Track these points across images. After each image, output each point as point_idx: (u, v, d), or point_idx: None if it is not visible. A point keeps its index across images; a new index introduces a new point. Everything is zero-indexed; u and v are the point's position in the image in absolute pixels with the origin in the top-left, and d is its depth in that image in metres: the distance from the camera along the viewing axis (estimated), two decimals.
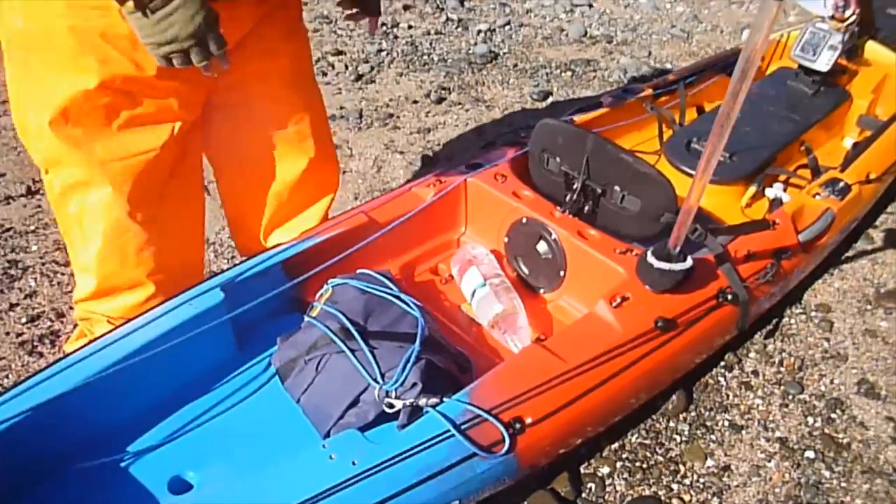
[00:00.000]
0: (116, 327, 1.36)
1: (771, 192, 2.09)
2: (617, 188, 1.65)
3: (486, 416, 1.22)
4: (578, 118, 2.11)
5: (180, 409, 1.38)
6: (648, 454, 1.56)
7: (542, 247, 1.70)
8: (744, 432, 1.60)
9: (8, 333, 1.84)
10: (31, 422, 1.18)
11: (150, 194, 1.42)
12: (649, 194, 1.61)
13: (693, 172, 2.08)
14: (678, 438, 1.59)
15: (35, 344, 1.81)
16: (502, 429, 1.22)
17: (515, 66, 3.32)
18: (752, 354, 1.80)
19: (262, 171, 1.62)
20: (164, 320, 1.36)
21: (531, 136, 1.81)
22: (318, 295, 1.52)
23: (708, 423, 1.62)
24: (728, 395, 1.69)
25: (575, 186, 1.69)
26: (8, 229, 2.20)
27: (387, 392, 1.28)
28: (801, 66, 2.42)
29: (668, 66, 3.34)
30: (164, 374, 1.37)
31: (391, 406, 1.28)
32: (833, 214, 1.85)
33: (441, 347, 1.42)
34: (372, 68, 3.24)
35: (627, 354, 1.41)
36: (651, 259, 1.44)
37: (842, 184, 1.93)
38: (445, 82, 3.15)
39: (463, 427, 1.21)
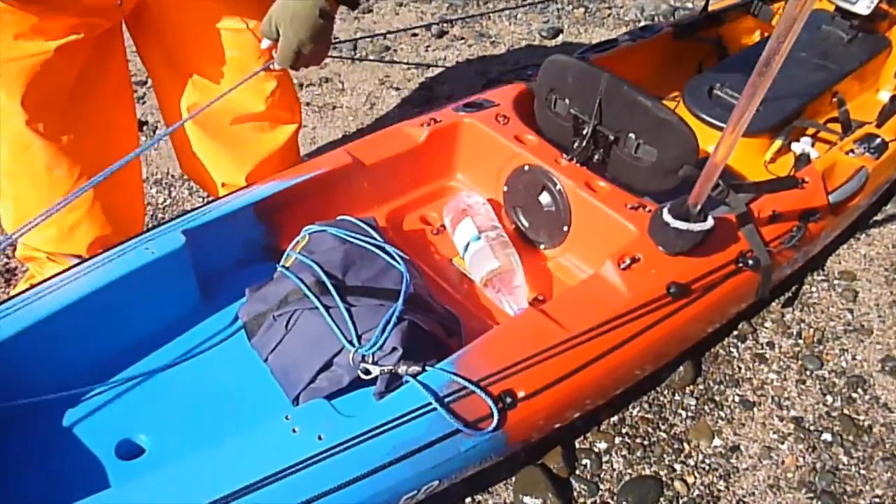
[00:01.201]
0: (63, 271, 1.21)
1: (798, 147, 1.91)
2: (632, 136, 1.47)
3: (473, 388, 1.08)
4: (591, 57, 1.91)
5: (134, 364, 1.24)
6: (650, 430, 1.43)
7: (544, 198, 1.53)
8: (756, 410, 1.47)
9: None
10: None
11: (50, 102, 1.28)
12: (668, 144, 1.43)
13: (713, 121, 1.92)
14: (684, 414, 1.46)
15: None
16: (491, 403, 1.08)
17: None
18: (767, 324, 1.65)
19: (199, 93, 1.46)
20: (117, 265, 1.21)
21: (539, 73, 1.62)
22: (293, 243, 1.36)
23: (717, 398, 1.49)
24: (740, 368, 1.55)
25: (585, 132, 1.51)
26: None
27: (363, 356, 1.14)
28: (837, 9, 2.21)
29: (689, 4, 3.10)
30: (115, 324, 1.22)
31: (367, 372, 1.14)
32: (867, 173, 1.68)
33: (427, 307, 1.27)
34: None
35: (635, 322, 1.26)
36: (667, 217, 1.28)
37: (878, 140, 1.76)
38: (448, 14, 2.93)
39: (447, 400, 1.06)
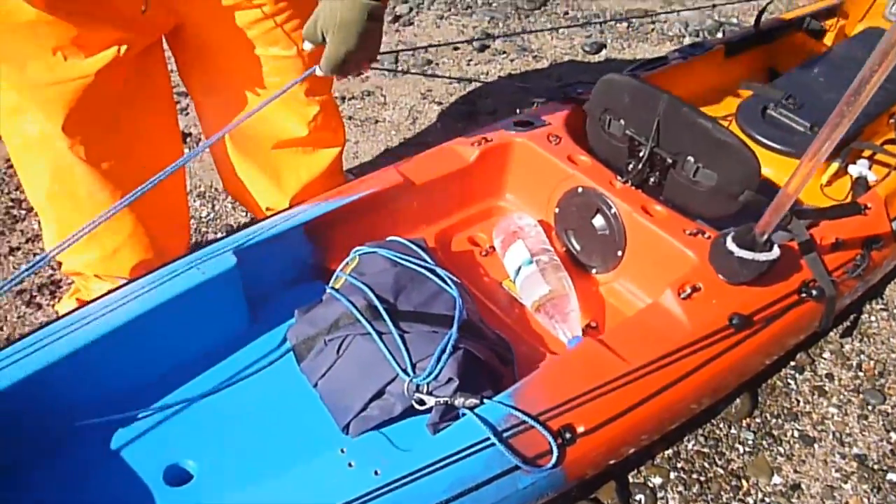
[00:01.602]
0: (112, 290, 1.19)
1: (854, 170, 1.85)
2: (691, 159, 1.43)
3: (532, 422, 1.04)
4: (642, 74, 1.87)
5: (182, 387, 1.21)
6: (707, 464, 1.37)
7: (598, 221, 1.49)
8: (816, 446, 1.41)
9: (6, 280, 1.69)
10: (8, 397, 1.03)
11: (92, 127, 1.26)
12: (729, 168, 1.39)
13: (767, 142, 1.87)
14: (741, 448, 1.40)
15: (34, 294, 1.67)
16: (550, 439, 1.04)
17: (566, 13, 3.06)
18: (826, 355, 1.59)
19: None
20: (168, 286, 1.19)
21: (591, 92, 1.59)
22: (342, 264, 1.34)
23: (775, 433, 1.43)
24: (798, 401, 1.49)
25: (641, 154, 1.47)
26: (13, 165, 2.03)
27: (417, 386, 1.11)
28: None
29: (734, 20, 3.04)
30: (165, 346, 1.21)
31: (421, 402, 1.11)
32: None
33: (480, 333, 1.24)
34: (410, 9, 3.00)
35: (696, 355, 1.21)
36: (731, 246, 1.23)
37: None
38: (489, 28, 2.90)
39: (505, 435, 1.03)
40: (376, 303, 1.21)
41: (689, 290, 1.26)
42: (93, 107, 1.25)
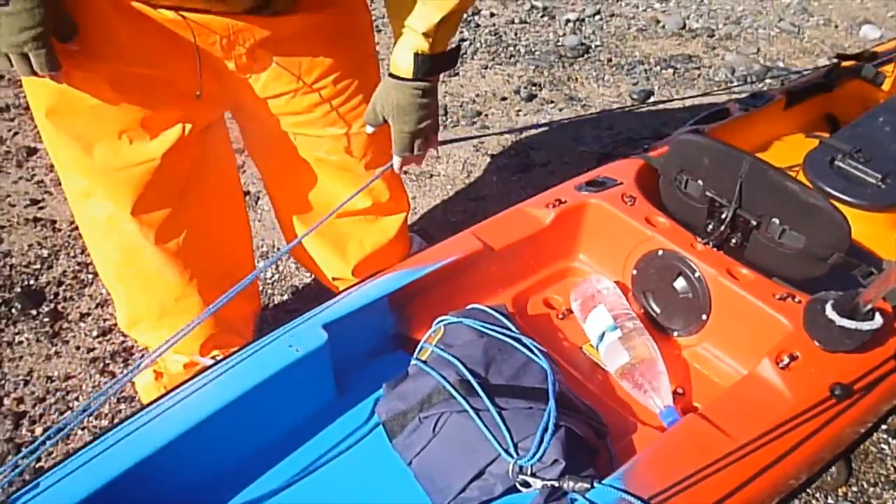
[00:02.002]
0: (202, 370, 1.18)
1: None
2: (776, 220, 1.40)
3: None
4: (706, 129, 1.86)
5: (272, 470, 1.19)
6: None
7: (680, 284, 1.47)
8: None
9: (78, 348, 1.69)
10: (108, 491, 1.01)
11: (160, 209, 1.28)
12: (817, 230, 1.36)
13: (837, 194, 1.84)
14: None
15: (107, 361, 1.67)
16: None
17: (609, 60, 3.07)
18: None
19: (303, 194, 1.46)
20: (261, 365, 1.18)
21: (667, 152, 1.57)
22: (427, 334, 1.32)
23: (874, 502, 1.38)
24: (894, 468, 1.44)
25: (724, 216, 1.45)
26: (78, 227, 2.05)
27: (520, 468, 1.08)
28: None
29: (780, 63, 3.04)
30: (256, 428, 1.19)
31: (526, 484, 1.08)
32: None
33: (574, 407, 1.21)
34: None
35: (800, 428, 1.17)
36: (831, 314, 1.20)
37: None
38: (535, 77, 2.92)
39: None
40: (469, 377, 1.18)
41: (786, 360, 1.23)
42: (160, 189, 1.27)
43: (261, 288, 1.88)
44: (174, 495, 1.11)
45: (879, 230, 1.81)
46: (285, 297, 1.86)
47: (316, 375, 1.24)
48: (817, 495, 1.39)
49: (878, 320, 1.20)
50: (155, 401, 1.13)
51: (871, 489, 1.40)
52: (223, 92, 1.27)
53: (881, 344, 1.30)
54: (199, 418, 1.10)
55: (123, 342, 1.71)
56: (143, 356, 1.61)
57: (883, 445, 1.48)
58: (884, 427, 1.52)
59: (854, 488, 1.41)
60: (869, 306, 1.19)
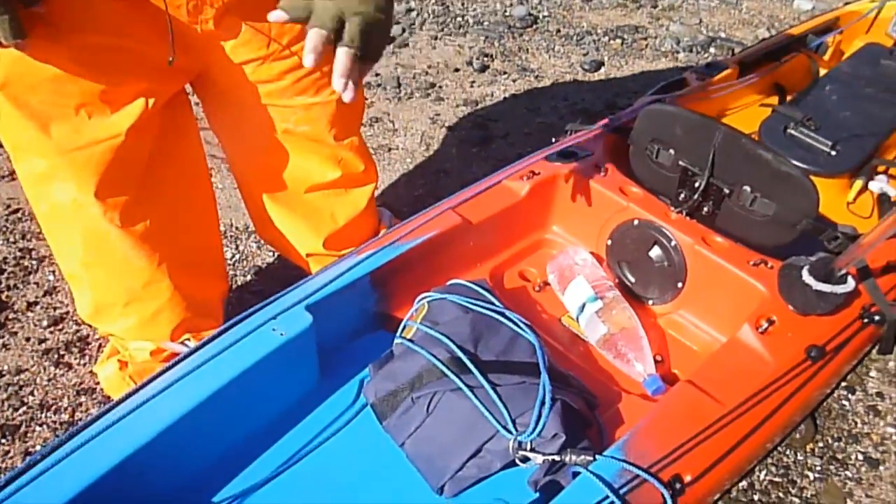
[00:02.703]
0: (172, 356, 1.12)
1: (875, 186, 1.89)
2: (747, 188, 1.43)
3: (647, 477, 1.02)
4: (666, 99, 1.87)
5: (259, 460, 1.15)
6: (782, 494, 1.38)
7: (655, 253, 1.48)
8: (882, 468, 1.43)
9: (29, 339, 1.59)
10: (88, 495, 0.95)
11: (126, 190, 1.21)
12: (789, 198, 1.39)
13: (793, 161, 1.89)
14: (811, 475, 1.41)
15: (61, 353, 1.57)
16: (664, 491, 1.02)
17: (558, 31, 3.06)
18: (873, 374, 1.62)
19: (271, 169, 1.40)
20: (244, 352, 1.13)
21: (638, 121, 1.58)
22: (410, 312, 1.30)
23: (840, 457, 1.44)
24: (856, 423, 1.51)
25: (697, 185, 1.47)
26: (16, 210, 1.92)
27: (520, 443, 1.07)
28: None
29: (722, 34, 3.10)
30: (240, 417, 1.14)
31: (525, 460, 1.07)
32: None
33: (565, 380, 1.21)
34: (403, 30, 2.96)
35: (781, 390, 1.21)
36: (808, 279, 1.24)
37: None
38: (486, 48, 2.88)
39: (622, 492, 1.00)
40: (461, 355, 1.17)
41: (765, 325, 1.26)
42: (124, 168, 1.19)
43: None
44: (159, 494, 1.05)
45: (831, 195, 1.87)
46: (248, 277, 1.79)
47: (301, 359, 1.20)
48: (788, 452, 1.44)
49: (851, 283, 1.25)
50: (133, 392, 1.07)
51: (836, 444, 1.47)
52: (188, 61, 1.20)
53: (849, 306, 1.35)
54: (185, 410, 1.04)
55: (78, 331, 1.61)
56: (101, 346, 1.53)
57: (844, 402, 1.55)
58: (844, 384, 1.59)
59: (820, 444, 1.47)
60: (843, 270, 1.23)
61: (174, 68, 1.15)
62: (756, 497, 1.37)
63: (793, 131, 1.94)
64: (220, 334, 1.15)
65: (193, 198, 1.37)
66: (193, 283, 1.38)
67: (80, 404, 1.47)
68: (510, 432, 1.08)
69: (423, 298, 1.31)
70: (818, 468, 1.43)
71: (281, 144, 1.36)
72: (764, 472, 1.41)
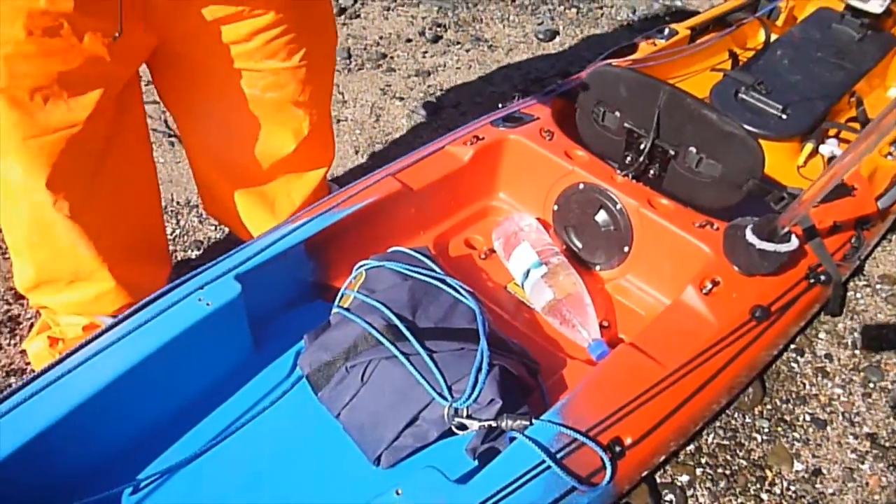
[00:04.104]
0: (103, 331, 1.07)
1: (825, 150, 1.88)
2: (693, 150, 1.41)
3: (584, 440, 0.99)
4: (616, 63, 1.84)
5: (190, 434, 1.11)
6: (729, 457, 1.37)
7: (602, 217, 1.45)
8: (829, 428, 1.43)
9: None
10: (9, 461, 0.90)
11: (77, 179, 1.14)
12: (734, 158, 1.37)
13: (744, 125, 1.88)
14: (759, 437, 1.40)
15: None
16: (603, 454, 1.00)
17: (513, 1, 3.00)
18: (822, 335, 1.62)
19: (231, 141, 1.33)
20: (169, 322, 1.07)
21: (583, 84, 1.54)
22: (348, 281, 1.25)
23: (787, 418, 1.44)
24: (804, 385, 1.51)
25: (642, 146, 1.44)
26: None
27: (456, 410, 1.04)
28: (847, 7, 2.19)
29: (678, 3, 3.07)
30: (169, 390, 1.10)
31: (462, 427, 1.04)
32: None
33: (505, 346, 1.18)
34: (355, 1, 2.88)
35: (726, 351, 1.19)
36: (751, 238, 1.22)
37: None
38: (439, 18, 2.82)
39: (559, 456, 0.98)
40: (396, 322, 1.13)
41: (709, 286, 1.24)
42: (79, 158, 1.13)
43: None
44: (82, 469, 1.01)
45: (781, 159, 1.86)
46: (190, 252, 1.73)
47: (231, 330, 1.15)
48: (736, 415, 1.43)
49: (795, 242, 1.23)
50: (51, 366, 1.01)
51: (784, 405, 1.46)
52: (149, 31, 1.12)
53: (794, 266, 1.34)
54: (104, 383, 0.99)
55: (8, 311, 1.54)
56: (32, 325, 1.46)
57: (793, 364, 1.54)
58: (793, 347, 1.58)
59: (768, 406, 1.46)
60: (786, 229, 1.21)
61: (127, 45, 1.08)
62: (704, 460, 1.36)
63: (744, 95, 1.92)
64: (145, 305, 1.10)
65: (139, 185, 1.31)
66: (137, 270, 1.33)
67: (10, 385, 1.41)
68: (445, 399, 1.04)
69: (361, 266, 1.27)
70: (766, 430, 1.42)
71: (246, 114, 1.29)
72: (712, 436, 1.40)
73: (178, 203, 1.85)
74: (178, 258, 1.72)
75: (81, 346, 1.04)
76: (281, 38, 1.20)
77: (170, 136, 2.06)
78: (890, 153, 1.71)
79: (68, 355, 1.02)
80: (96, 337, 1.05)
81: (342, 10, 2.81)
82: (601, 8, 2.98)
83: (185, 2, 1.10)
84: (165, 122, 2.11)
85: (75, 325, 1.35)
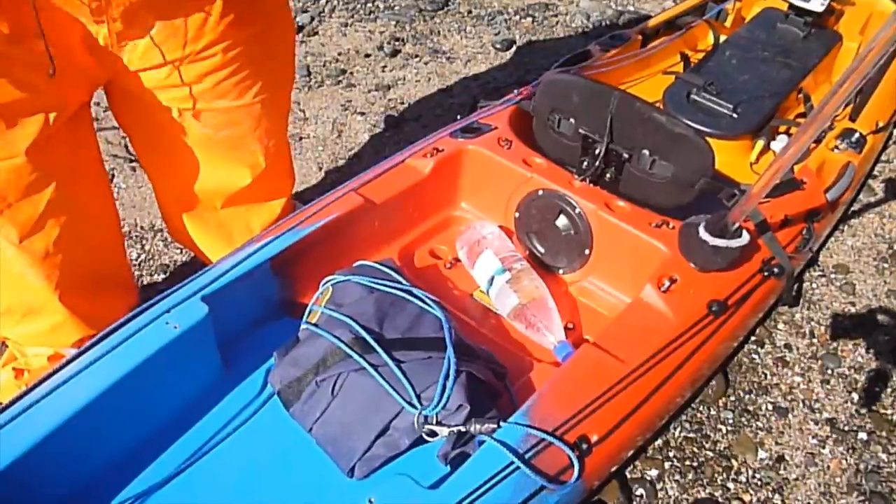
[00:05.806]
0: (66, 361, 1.06)
1: (776, 146, 1.95)
2: (646, 152, 1.45)
3: (551, 439, 1.02)
4: (572, 70, 1.88)
5: (162, 458, 1.11)
6: (696, 449, 1.40)
7: (562, 222, 1.49)
8: (790, 416, 1.47)
9: None
10: None
11: (24, 210, 1.12)
12: (685, 159, 1.42)
13: (695, 126, 1.94)
14: (724, 429, 1.44)
15: None
16: (570, 453, 1.02)
17: (470, 12, 3.05)
18: (780, 326, 1.67)
19: (185, 176, 1.33)
20: (138, 347, 1.08)
21: (536, 93, 1.58)
22: (315, 296, 1.27)
23: (751, 408, 1.48)
24: (765, 375, 1.55)
25: (597, 151, 1.48)
26: None
27: (426, 418, 1.06)
28: (791, 7, 2.27)
29: (631, 8, 3.14)
30: (138, 415, 1.10)
31: (433, 434, 1.06)
32: (854, 168, 1.72)
33: (472, 352, 1.20)
34: (312, 18, 2.91)
35: (685, 346, 1.23)
36: (704, 235, 1.26)
37: (856, 135, 1.79)
38: (397, 32, 2.85)
39: (527, 457, 1.00)
40: (364, 334, 1.15)
41: (667, 283, 1.28)
42: (24, 190, 1.10)
43: None
44: (52, 498, 1.01)
45: (734, 157, 1.92)
46: (156, 276, 1.73)
47: (199, 352, 1.16)
48: (701, 408, 1.47)
49: (746, 237, 1.27)
50: (16, 399, 1.01)
51: (747, 396, 1.51)
52: (97, 65, 1.10)
53: (748, 260, 1.38)
54: (72, 411, 0.99)
55: None
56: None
57: (754, 356, 1.59)
58: (753, 339, 1.63)
59: (732, 397, 1.50)
60: (736, 225, 1.25)
61: (76, 77, 1.08)
62: (671, 454, 1.40)
63: (695, 97, 1.98)
64: (111, 332, 1.11)
65: (94, 214, 1.28)
66: (94, 300, 1.31)
67: None
68: (415, 407, 1.06)
69: (327, 282, 1.29)
70: (730, 421, 1.46)
71: (199, 154, 1.29)
72: (678, 429, 1.44)
73: (142, 227, 1.85)
74: (145, 282, 1.71)
75: (47, 377, 1.04)
76: (231, 77, 1.19)
77: (131, 160, 2.06)
78: (836, 146, 1.77)
79: (34, 387, 1.02)
80: (62, 367, 1.05)
81: (300, 28, 2.83)
82: (556, 16, 3.04)
83: (131, 44, 1.09)
84: (126, 147, 2.10)
85: (41, 355, 1.34)
